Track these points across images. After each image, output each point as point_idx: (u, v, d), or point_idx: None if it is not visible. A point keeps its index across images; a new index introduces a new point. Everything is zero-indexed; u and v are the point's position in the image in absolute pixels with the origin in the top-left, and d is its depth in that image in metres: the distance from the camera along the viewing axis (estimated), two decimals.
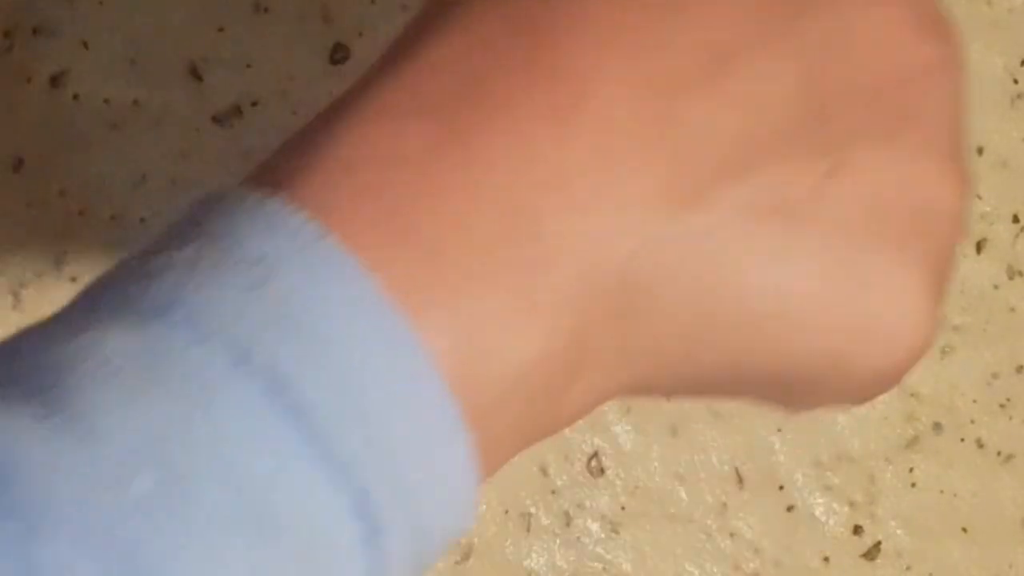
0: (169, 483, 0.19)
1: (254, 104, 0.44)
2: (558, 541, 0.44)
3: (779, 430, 0.45)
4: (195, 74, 0.44)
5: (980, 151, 0.47)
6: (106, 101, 0.44)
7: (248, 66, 0.44)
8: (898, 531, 0.46)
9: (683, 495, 0.45)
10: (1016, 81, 0.47)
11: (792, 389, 0.26)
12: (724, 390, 0.26)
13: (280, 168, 0.22)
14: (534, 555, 0.44)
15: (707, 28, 0.23)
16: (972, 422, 0.46)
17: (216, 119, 0.44)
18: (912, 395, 0.46)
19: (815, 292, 0.24)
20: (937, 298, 0.25)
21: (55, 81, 0.44)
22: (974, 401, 0.46)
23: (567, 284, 0.22)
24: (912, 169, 0.25)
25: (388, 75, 0.23)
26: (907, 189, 0.25)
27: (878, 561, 0.45)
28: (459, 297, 0.21)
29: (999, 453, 0.46)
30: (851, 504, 0.45)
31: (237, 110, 0.44)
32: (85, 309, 0.21)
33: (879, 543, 0.45)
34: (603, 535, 0.44)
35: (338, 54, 0.45)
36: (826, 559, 0.45)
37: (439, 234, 0.21)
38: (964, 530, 0.46)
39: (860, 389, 0.26)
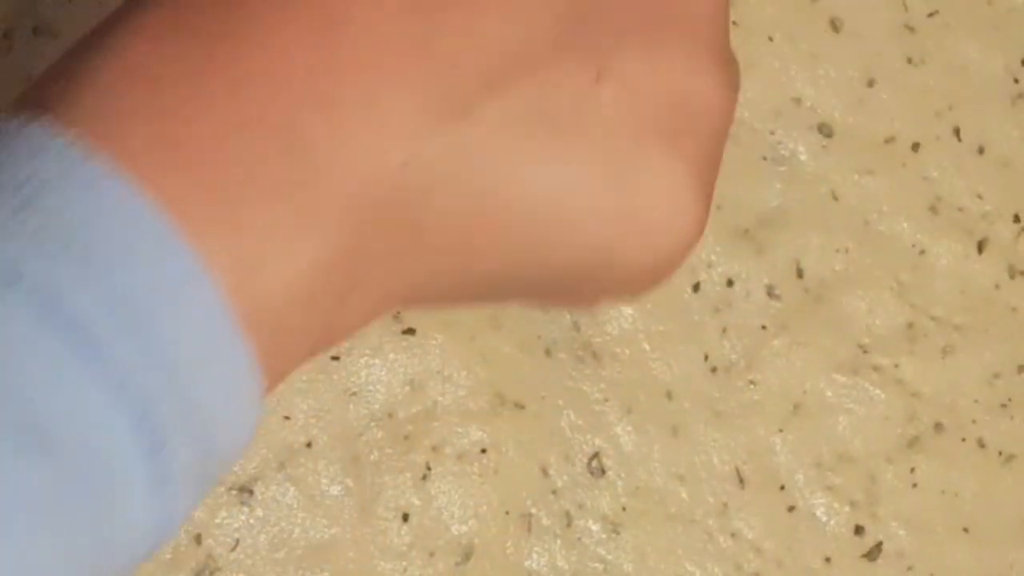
0: None
1: None
2: (559, 542, 0.44)
3: (780, 430, 0.45)
4: None
5: (981, 151, 0.47)
6: None
7: None
8: (899, 531, 0.46)
9: (684, 495, 0.45)
10: (1017, 80, 0.47)
11: (568, 286, 0.27)
12: (502, 294, 0.27)
13: (47, 90, 0.22)
14: (535, 555, 0.44)
15: None
16: (973, 422, 0.46)
17: None
18: (913, 395, 0.46)
19: (585, 192, 0.25)
20: (706, 191, 0.26)
21: None
22: (975, 401, 0.46)
23: (337, 197, 0.23)
24: (675, 68, 0.26)
25: None
26: (671, 88, 0.26)
27: (879, 561, 0.45)
28: (230, 211, 0.22)
29: (1001, 453, 0.46)
30: (852, 504, 0.45)
31: None
32: None
33: (880, 543, 0.45)
34: (604, 535, 0.44)
35: None
36: (827, 559, 0.45)
37: (208, 152, 0.22)
38: (966, 530, 0.46)
39: (634, 282, 0.27)
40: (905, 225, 0.47)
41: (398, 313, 0.43)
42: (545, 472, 0.44)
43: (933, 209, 0.47)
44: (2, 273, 0.20)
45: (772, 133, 0.46)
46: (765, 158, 0.46)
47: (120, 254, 0.20)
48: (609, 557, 0.44)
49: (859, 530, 0.45)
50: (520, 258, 0.25)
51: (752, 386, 0.45)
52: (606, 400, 0.44)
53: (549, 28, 0.24)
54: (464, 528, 0.43)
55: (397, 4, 0.23)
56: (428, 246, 0.24)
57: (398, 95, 0.23)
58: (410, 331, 0.43)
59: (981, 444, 0.46)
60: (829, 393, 0.45)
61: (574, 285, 0.27)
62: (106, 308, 0.20)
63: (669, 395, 0.45)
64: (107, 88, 0.22)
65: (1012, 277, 0.47)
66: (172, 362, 0.21)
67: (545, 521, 0.44)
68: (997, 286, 0.47)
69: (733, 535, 0.45)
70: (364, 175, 0.23)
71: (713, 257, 0.45)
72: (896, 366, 0.46)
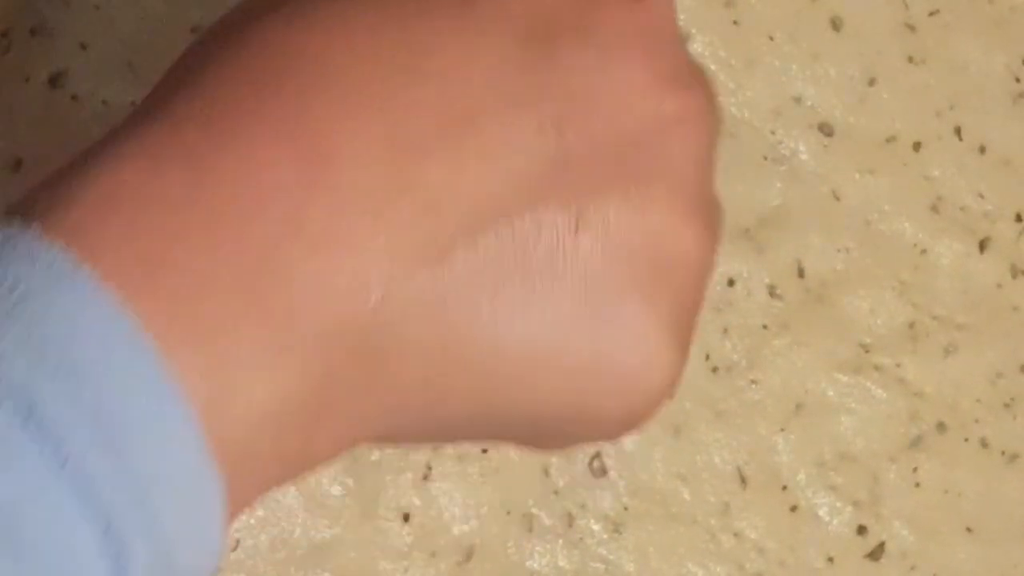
0: None
1: None
2: (560, 542, 0.44)
3: (782, 430, 0.45)
4: None
5: (982, 150, 0.47)
6: (104, 102, 0.44)
7: None
8: (902, 531, 0.45)
9: (686, 495, 0.45)
10: (1018, 80, 0.47)
11: (540, 431, 0.27)
12: (474, 434, 0.27)
13: (42, 199, 0.22)
14: (536, 556, 0.44)
15: (450, 90, 0.24)
16: (976, 421, 0.46)
17: None
18: (916, 394, 0.46)
19: (558, 340, 0.25)
20: (680, 346, 0.27)
21: (53, 82, 0.44)
22: (978, 400, 0.46)
23: (313, 330, 0.23)
24: (655, 222, 0.26)
25: (148, 120, 0.24)
26: (650, 242, 0.26)
27: (882, 561, 0.45)
28: (208, 338, 0.22)
29: (1003, 452, 0.46)
30: (855, 504, 0.45)
31: None
32: None
33: (883, 543, 0.45)
34: (606, 536, 0.44)
35: None
36: (830, 559, 0.45)
37: (189, 277, 0.22)
38: (969, 530, 0.46)
39: (605, 430, 0.27)
40: (906, 224, 0.46)
41: None
42: (546, 472, 0.44)
43: (934, 208, 0.47)
44: None
45: (773, 132, 0.46)
46: (766, 158, 0.46)
47: (99, 370, 0.21)
48: (611, 557, 0.44)
49: (862, 530, 0.45)
50: (490, 401, 0.25)
51: (754, 386, 0.45)
52: None
53: (531, 176, 0.25)
54: (465, 528, 0.43)
55: (384, 145, 0.24)
56: (398, 381, 0.25)
57: (378, 235, 0.23)
58: None
59: (984, 444, 0.46)
60: (831, 393, 0.45)
61: (544, 431, 0.27)
62: (82, 422, 0.20)
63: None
64: (97, 204, 0.22)
65: (1014, 276, 0.47)
66: (142, 484, 0.21)
67: (547, 521, 0.44)
68: (999, 285, 0.47)
69: (735, 535, 0.45)
70: (340, 311, 0.23)
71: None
72: (898, 365, 0.46)
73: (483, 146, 0.24)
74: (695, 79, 0.27)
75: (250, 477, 0.23)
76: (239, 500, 0.23)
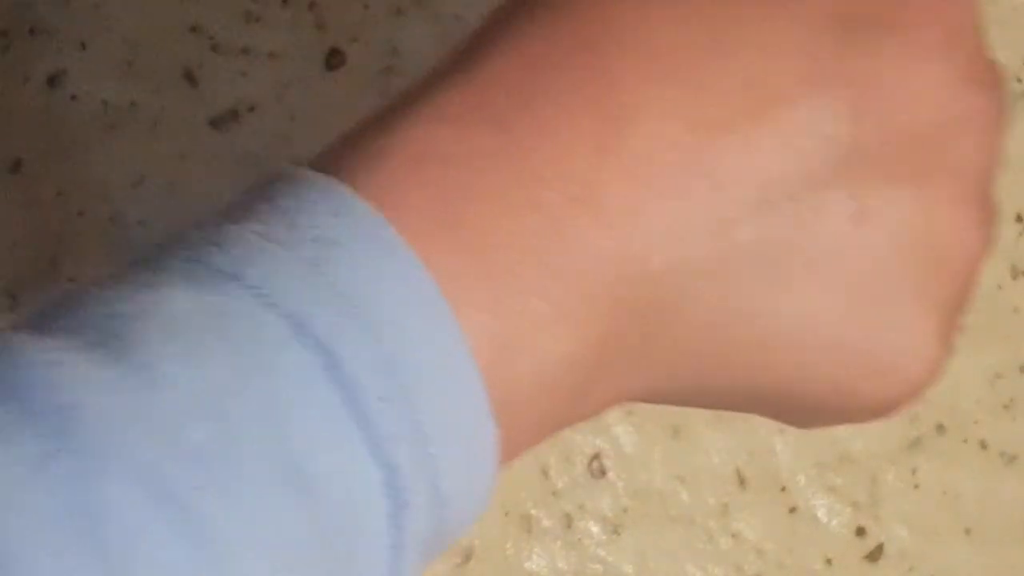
0: (221, 437, 0.20)
1: (251, 109, 0.44)
2: (559, 543, 0.44)
3: (781, 431, 0.45)
4: (190, 79, 0.44)
5: None
6: (104, 102, 0.44)
7: (243, 73, 0.44)
8: (901, 533, 0.45)
9: (685, 497, 0.45)
10: (1020, 80, 0.47)
11: (797, 411, 0.27)
12: (731, 404, 0.28)
13: (346, 157, 0.24)
14: (535, 557, 0.44)
15: (754, 71, 0.25)
16: (975, 423, 0.46)
17: (213, 123, 0.44)
18: None
19: (831, 327, 0.26)
20: (947, 343, 0.27)
21: (52, 82, 0.44)
22: (977, 402, 0.46)
23: (597, 295, 0.24)
24: (938, 217, 0.26)
25: (450, 83, 0.25)
26: (930, 236, 0.26)
27: (881, 563, 0.45)
28: (499, 297, 0.23)
29: (1003, 454, 0.46)
30: (854, 505, 0.45)
31: (234, 114, 0.44)
32: (152, 270, 0.22)
33: (882, 545, 0.45)
34: (604, 537, 0.44)
35: (334, 59, 0.45)
36: (829, 561, 0.45)
37: (487, 236, 0.23)
38: (967, 531, 0.46)
39: (862, 414, 0.28)
40: None
41: None
42: (545, 473, 0.44)
43: None
44: (294, 321, 0.21)
45: None
46: None
47: (397, 324, 0.22)
48: (610, 559, 0.44)
49: (861, 531, 0.45)
50: (757, 379, 0.26)
51: None
52: None
53: (823, 163, 0.25)
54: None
55: (682, 119, 0.24)
56: (673, 349, 0.25)
57: (666, 210, 0.24)
58: None
59: (983, 445, 0.46)
60: None
61: (796, 405, 0.27)
62: (378, 373, 0.21)
63: None
64: (405, 165, 0.23)
65: (1014, 277, 0.47)
66: (425, 435, 0.22)
67: (545, 522, 0.44)
68: (999, 287, 0.47)
69: (734, 536, 0.45)
70: (624, 276, 0.24)
71: None
72: None
73: (780, 129, 0.25)
74: (992, 78, 0.27)
75: (521, 434, 0.24)
76: (508, 455, 0.24)
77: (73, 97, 0.44)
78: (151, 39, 0.44)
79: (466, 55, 0.25)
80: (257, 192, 0.23)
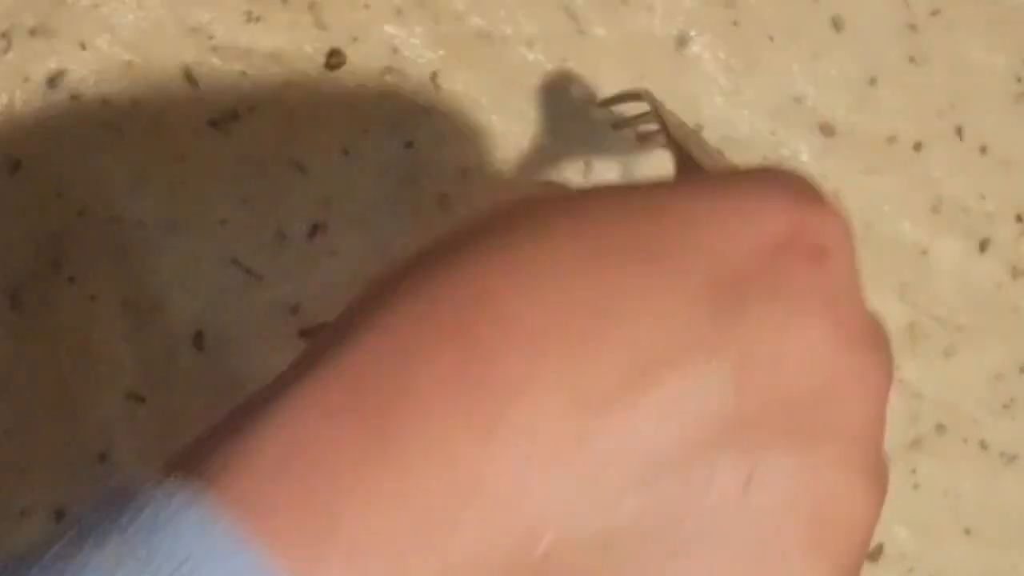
0: None
1: (251, 109, 0.44)
2: None
3: None
4: (190, 79, 0.44)
5: (984, 150, 0.47)
6: (104, 102, 0.44)
7: (243, 73, 0.44)
8: (901, 532, 0.45)
9: None
10: (1020, 79, 0.47)
11: None
12: None
13: (209, 460, 0.23)
14: None
15: (635, 342, 0.25)
16: (975, 423, 0.46)
17: (213, 123, 0.44)
18: (915, 395, 0.46)
19: None
20: None
21: (52, 82, 0.44)
22: (977, 402, 0.46)
23: None
24: (827, 483, 0.26)
25: (322, 369, 0.24)
26: (820, 502, 0.26)
27: (881, 562, 0.45)
28: None
29: (1002, 454, 0.46)
30: None
31: (234, 114, 0.44)
32: None
33: (882, 545, 0.45)
34: None
35: (334, 59, 0.44)
36: None
37: (360, 545, 0.22)
38: (967, 531, 0.46)
39: None
40: (907, 225, 0.46)
41: None
42: None
43: (935, 209, 0.47)
44: None
45: (773, 133, 0.46)
46: (766, 158, 0.46)
47: None
48: None
49: None
50: None
51: None
52: None
53: (708, 430, 0.25)
54: None
55: (562, 404, 0.24)
56: None
57: (552, 483, 0.24)
58: None
59: (983, 445, 0.46)
60: None
61: None
62: None
63: None
64: (273, 462, 0.23)
65: (1014, 277, 0.47)
66: None
67: None
68: (999, 286, 0.47)
69: None
70: (514, 560, 0.24)
71: None
72: (898, 367, 0.46)
73: (664, 399, 0.25)
74: (875, 338, 0.27)
75: None
76: None
77: (74, 97, 0.44)
78: (151, 39, 0.44)
79: (338, 335, 0.25)
80: (108, 513, 0.23)
